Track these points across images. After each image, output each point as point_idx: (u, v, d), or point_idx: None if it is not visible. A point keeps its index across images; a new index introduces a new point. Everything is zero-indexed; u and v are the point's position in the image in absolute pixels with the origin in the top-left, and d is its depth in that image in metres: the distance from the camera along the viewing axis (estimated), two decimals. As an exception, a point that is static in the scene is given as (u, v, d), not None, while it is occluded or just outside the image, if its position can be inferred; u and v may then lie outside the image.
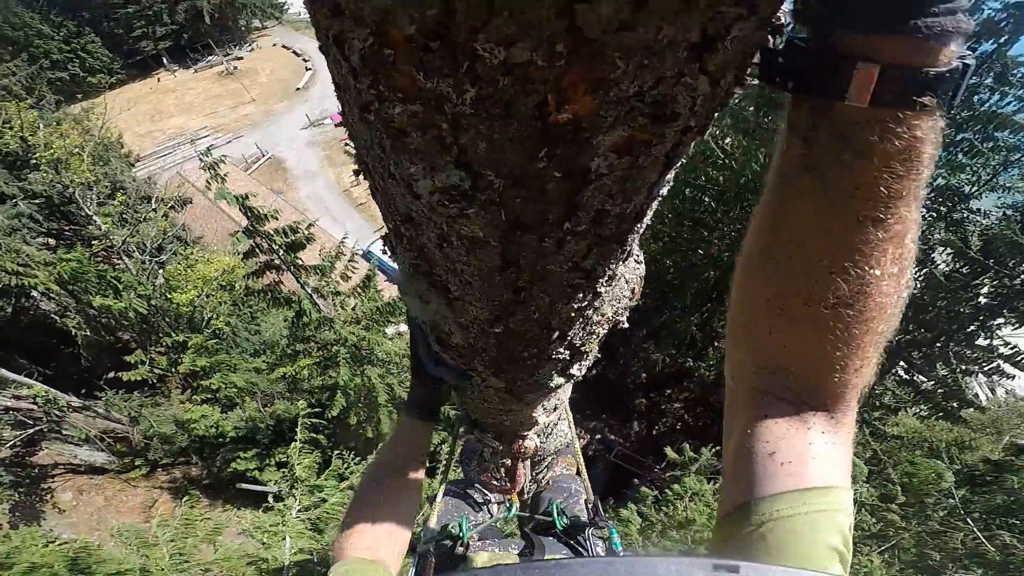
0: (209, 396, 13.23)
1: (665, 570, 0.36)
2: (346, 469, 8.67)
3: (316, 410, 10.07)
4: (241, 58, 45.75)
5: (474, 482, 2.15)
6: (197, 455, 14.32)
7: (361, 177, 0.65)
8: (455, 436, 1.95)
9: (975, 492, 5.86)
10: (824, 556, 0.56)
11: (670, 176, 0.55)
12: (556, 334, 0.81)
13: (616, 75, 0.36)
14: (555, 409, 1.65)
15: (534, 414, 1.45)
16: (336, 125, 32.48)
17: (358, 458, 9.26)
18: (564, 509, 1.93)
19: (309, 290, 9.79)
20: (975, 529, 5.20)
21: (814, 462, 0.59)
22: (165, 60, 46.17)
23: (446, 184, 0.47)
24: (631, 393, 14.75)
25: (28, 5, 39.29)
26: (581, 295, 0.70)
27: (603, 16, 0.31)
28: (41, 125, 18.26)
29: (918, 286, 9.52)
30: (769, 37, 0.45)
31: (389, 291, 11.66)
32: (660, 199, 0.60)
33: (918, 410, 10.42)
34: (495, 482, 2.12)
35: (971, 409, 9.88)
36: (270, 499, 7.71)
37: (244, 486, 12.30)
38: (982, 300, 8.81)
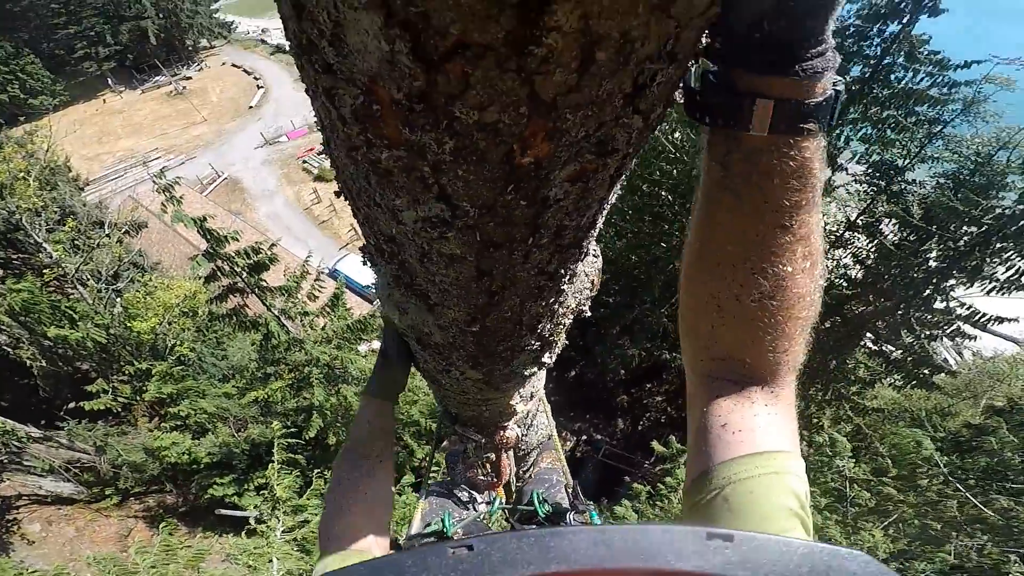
0: (179, 423, 12.87)
1: (659, 538, 0.37)
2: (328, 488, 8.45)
3: (292, 430, 9.90)
4: (190, 78, 44.78)
5: (460, 483, 2.19)
6: (171, 483, 13.98)
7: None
8: (438, 433, 2.00)
9: (963, 458, 5.98)
10: (783, 517, 0.63)
11: (618, 187, 0.66)
12: (527, 328, 0.94)
13: (567, 125, 0.45)
14: (532, 397, 1.84)
15: (512, 402, 1.63)
16: (314, 148, 32.07)
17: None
18: (546, 498, 1.99)
19: (276, 312, 9.59)
20: (968, 495, 5.32)
21: (760, 430, 0.69)
22: (110, 81, 44.77)
23: (428, 214, 0.56)
24: (611, 391, 14.88)
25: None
26: (547, 293, 0.84)
27: (555, 82, 0.39)
28: (-19, 150, 17.43)
29: (872, 257, 10.12)
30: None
31: (359, 308, 11.48)
32: (613, 203, 0.72)
33: (892, 380, 10.80)
34: (482, 477, 2.14)
35: (943, 374, 10.36)
36: (252, 522, 7.51)
37: (223, 512, 11.96)
38: (932, 264, 9.30)
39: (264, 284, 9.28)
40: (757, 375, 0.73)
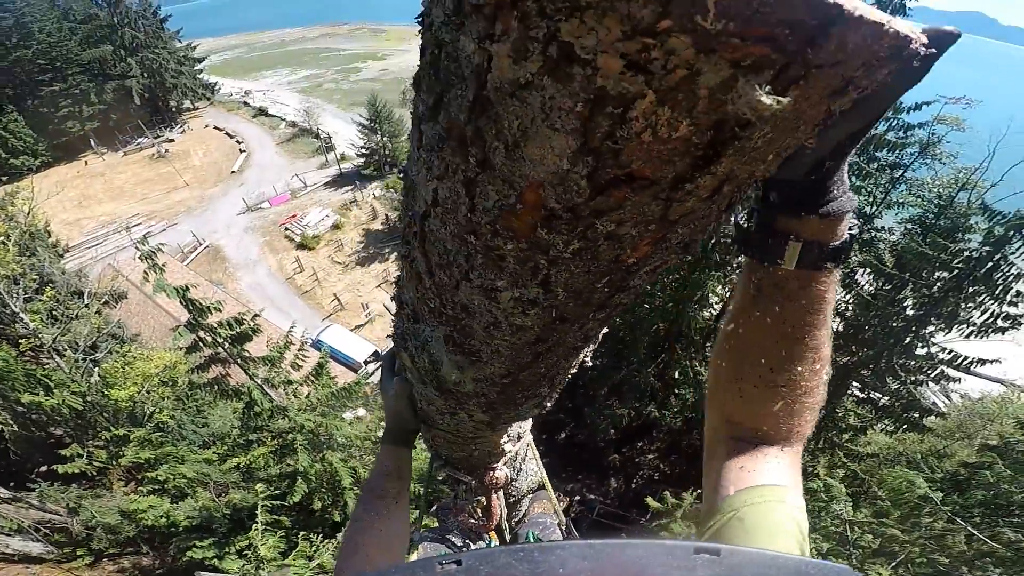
0: (156, 487, 12.41)
1: (647, 552, 0.38)
2: (314, 551, 8.25)
3: (277, 492, 9.70)
4: (172, 140, 45.23)
5: (453, 529, 2.24)
6: (147, 545, 13.41)
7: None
8: (429, 472, 2.06)
9: (964, 496, 6.03)
10: (787, 536, 0.74)
11: None
12: (547, 379, 1.04)
13: (674, 235, 0.52)
14: (519, 439, 1.95)
15: (500, 442, 1.72)
16: (296, 215, 32.05)
17: (326, 540, 8.82)
18: (540, 537, 2.07)
19: (259, 381, 9.41)
20: (972, 530, 5.35)
21: (771, 470, 0.83)
22: (93, 142, 45.01)
23: (525, 297, 0.62)
24: (603, 451, 14.82)
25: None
26: (579, 352, 0.94)
27: (686, 207, 0.45)
28: (-42, 211, 17.17)
29: (851, 309, 10.29)
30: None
31: (343, 377, 11.34)
32: None
33: (884, 426, 10.95)
34: (472, 520, 2.16)
35: (933, 417, 10.41)
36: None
37: (203, 575, 11.41)
38: (909, 312, 9.49)
39: (247, 354, 9.17)
40: (770, 439, 0.87)
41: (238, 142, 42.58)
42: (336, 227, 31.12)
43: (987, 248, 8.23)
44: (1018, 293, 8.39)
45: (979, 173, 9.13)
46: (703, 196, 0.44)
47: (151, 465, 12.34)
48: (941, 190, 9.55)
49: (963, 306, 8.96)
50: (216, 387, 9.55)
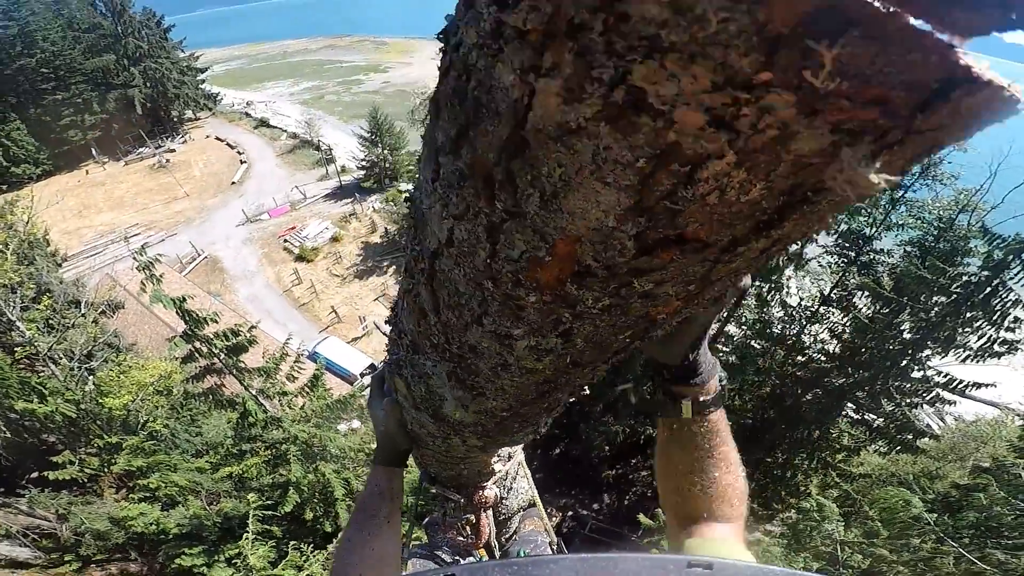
0: (148, 495, 12.31)
1: (640, 566, 0.38)
2: (304, 561, 8.19)
3: (268, 502, 9.61)
4: (173, 150, 45.21)
5: (441, 545, 2.23)
6: (136, 551, 13.25)
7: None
8: (420, 485, 2.03)
9: (954, 517, 6.03)
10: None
11: None
12: (547, 411, 1.06)
13: (707, 292, 0.49)
14: (510, 458, 1.94)
15: (491, 462, 1.73)
16: (295, 227, 31.87)
17: (317, 550, 8.76)
18: (530, 554, 2.08)
19: (254, 391, 9.41)
20: (962, 551, 5.36)
21: (716, 529, 1.05)
22: (94, 151, 45.05)
23: (543, 346, 0.59)
24: (596, 467, 14.75)
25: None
26: (582, 388, 0.94)
27: (729, 268, 0.43)
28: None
29: (848, 331, 10.23)
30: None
31: (339, 389, 11.32)
32: None
33: (877, 447, 10.87)
34: (461, 538, 2.14)
35: (927, 439, 10.35)
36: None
37: None
38: (907, 335, 9.42)
39: (242, 365, 9.16)
40: (713, 517, 1.08)
41: (239, 153, 42.60)
42: (335, 239, 31.05)
43: (986, 273, 8.22)
44: (1016, 319, 8.40)
45: (980, 195, 9.11)
46: (751, 257, 0.42)
47: (143, 473, 12.27)
48: (941, 212, 9.50)
49: (960, 331, 8.93)
50: (211, 397, 9.54)
